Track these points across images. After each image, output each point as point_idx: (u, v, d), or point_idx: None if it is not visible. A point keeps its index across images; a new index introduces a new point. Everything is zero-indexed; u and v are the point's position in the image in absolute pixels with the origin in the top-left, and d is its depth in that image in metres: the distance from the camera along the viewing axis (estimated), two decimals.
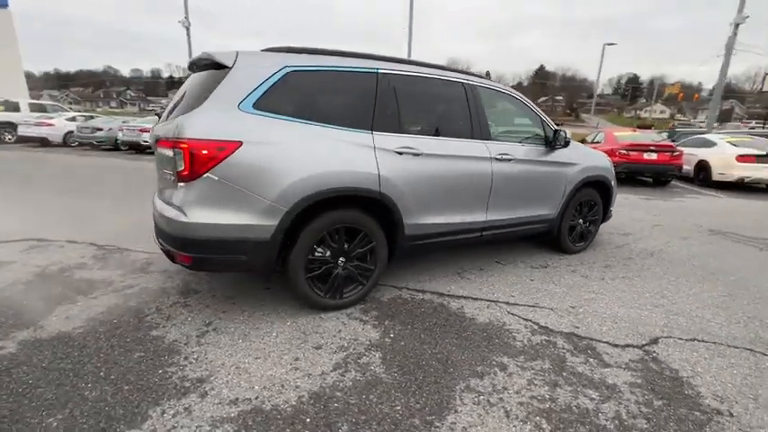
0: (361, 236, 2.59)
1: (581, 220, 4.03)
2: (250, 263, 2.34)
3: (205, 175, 2.13)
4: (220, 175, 2.15)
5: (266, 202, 2.25)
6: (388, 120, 2.67)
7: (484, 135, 3.12)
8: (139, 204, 4.79)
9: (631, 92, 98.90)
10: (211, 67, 2.41)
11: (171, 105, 2.68)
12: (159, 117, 2.90)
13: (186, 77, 2.80)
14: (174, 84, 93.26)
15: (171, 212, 2.23)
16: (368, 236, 2.62)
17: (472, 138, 3.07)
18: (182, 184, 2.19)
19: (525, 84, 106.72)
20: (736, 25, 15.41)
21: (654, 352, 2.31)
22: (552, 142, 3.49)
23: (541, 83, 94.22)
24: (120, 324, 2.41)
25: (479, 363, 2.15)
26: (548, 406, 1.83)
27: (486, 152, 3.09)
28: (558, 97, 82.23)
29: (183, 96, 2.58)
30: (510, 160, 3.22)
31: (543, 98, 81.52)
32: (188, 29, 21.24)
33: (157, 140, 2.48)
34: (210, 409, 1.74)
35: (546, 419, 1.75)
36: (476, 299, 2.93)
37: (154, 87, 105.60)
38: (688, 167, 9.93)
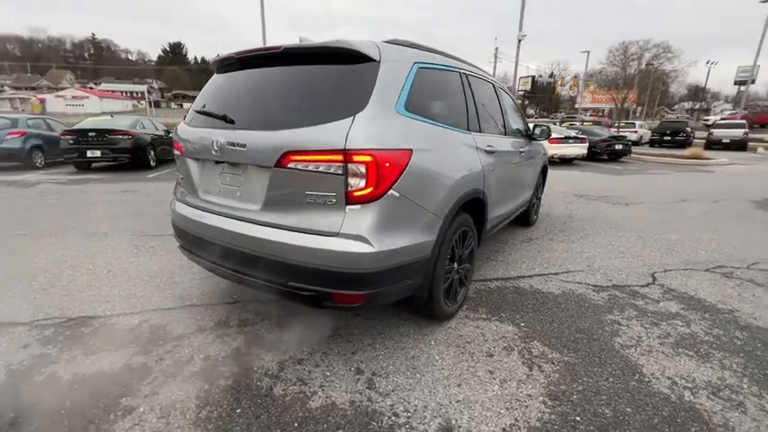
0: (468, 237, 2.59)
1: (537, 197, 4.95)
2: (413, 287, 2.05)
3: (389, 192, 1.75)
4: (401, 189, 1.80)
5: (429, 215, 2.02)
6: (475, 119, 2.71)
7: (508, 131, 3.49)
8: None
9: None
10: (341, 59, 1.91)
11: (218, 106, 2.05)
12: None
13: None
14: None
15: (342, 244, 1.72)
16: (471, 236, 2.63)
17: (505, 134, 3.39)
18: (357, 206, 1.73)
19: None
20: (519, 41, 20.65)
21: (664, 284, 3.22)
22: (532, 135, 4.15)
23: None
24: (240, 410, 1.73)
25: (603, 324, 2.55)
26: (676, 339, 2.40)
27: (515, 147, 3.47)
28: None
29: (260, 94, 1.98)
30: (522, 153, 3.70)
31: None
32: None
33: (284, 155, 1.79)
34: None
35: (687, 348, 2.30)
36: (530, 276, 3.33)
37: None
38: None
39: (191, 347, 2.22)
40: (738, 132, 19.64)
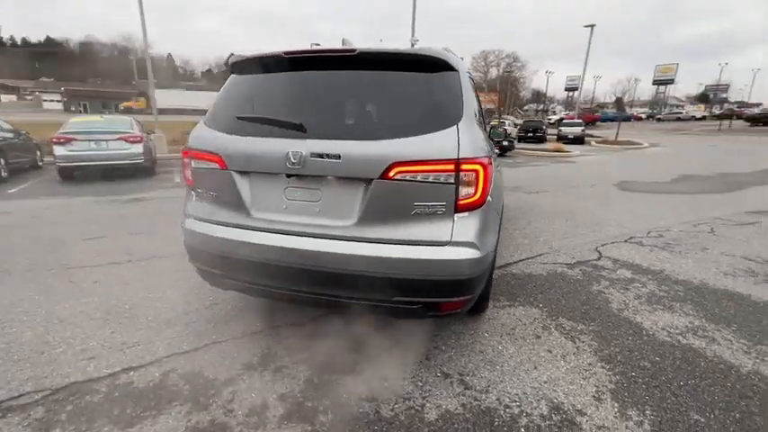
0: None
1: None
2: (486, 286, 2.16)
3: (488, 198, 1.82)
4: (490, 194, 1.89)
5: (497, 216, 2.16)
6: (482, 122, 2.93)
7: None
8: None
9: None
10: (422, 67, 1.87)
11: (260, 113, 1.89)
12: None
13: None
14: None
15: (454, 252, 1.72)
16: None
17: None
18: (465, 213, 1.75)
19: (216, 72, 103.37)
20: (412, 45, 21.94)
21: (609, 256, 4.00)
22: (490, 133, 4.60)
23: None
24: None
25: (594, 295, 3.08)
26: (647, 298, 3.05)
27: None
28: None
29: (337, 100, 1.86)
30: None
31: None
32: None
33: (390, 166, 1.69)
34: None
35: (657, 303, 2.96)
36: (516, 262, 3.76)
37: None
38: None
39: (253, 389, 1.94)
40: (578, 129, 24.62)
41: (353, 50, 1.84)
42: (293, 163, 1.78)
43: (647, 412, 1.84)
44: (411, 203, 1.74)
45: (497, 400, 1.91)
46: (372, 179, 1.74)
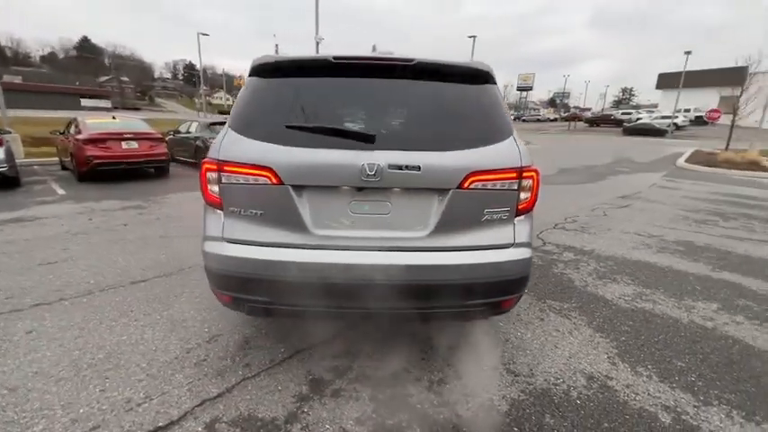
0: None
1: None
2: None
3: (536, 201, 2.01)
4: None
5: None
6: None
7: None
8: None
9: (188, 78, 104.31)
10: (468, 79, 1.95)
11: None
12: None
13: None
14: None
15: (518, 253, 1.86)
16: None
17: None
18: (522, 217, 1.92)
19: (63, 57, 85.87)
20: (317, 43, 21.35)
21: (550, 241, 4.67)
22: None
23: (88, 57, 79.33)
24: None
25: (562, 276, 3.60)
26: (597, 275, 3.68)
27: None
28: (125, 78, 72.85)
29: (399, 108, 1.85)
30: None
31: (105, 77, 69.50)
32: None
33: (467, 176, 1.76)
34: None
35: (605, 278, 3.61)
36: None
37: None
38: None
39: (324, 420, 1.80)
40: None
41: (411, 60, 1.84)
42: (369, 175, 1.70)
43: (649, 367, 2.29)
44: (482, 210, 1.84)
45: (545, 380, 2.14)
46: (449, 189, 1.78)
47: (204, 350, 2.31)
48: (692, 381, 2.17)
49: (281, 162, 1.75)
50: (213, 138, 6.58)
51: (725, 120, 20.46)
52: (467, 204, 1.83)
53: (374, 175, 1.71)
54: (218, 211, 1.88)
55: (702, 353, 2.44)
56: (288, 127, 1.79)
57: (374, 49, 2.15)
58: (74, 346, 2.32)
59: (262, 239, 1.82)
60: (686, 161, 13.71)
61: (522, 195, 1.90)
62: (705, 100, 35.07)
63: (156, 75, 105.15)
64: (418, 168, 1.74)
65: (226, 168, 1.79)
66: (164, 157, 8.72)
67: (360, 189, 1.79)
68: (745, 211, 6.57)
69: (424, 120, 1.93)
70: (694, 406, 1.97)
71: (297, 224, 1.80)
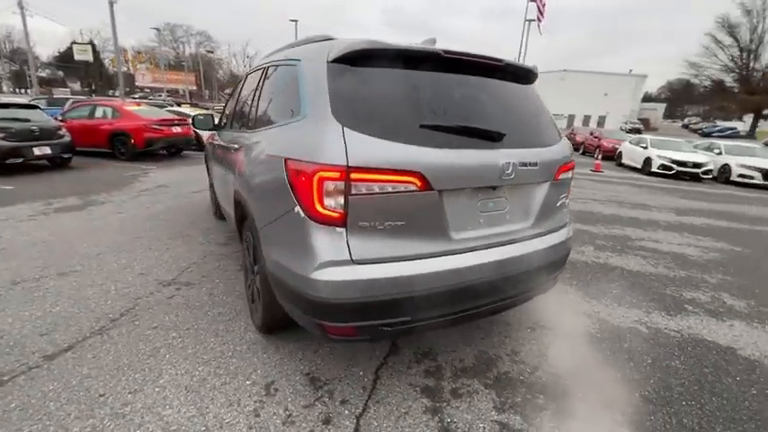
0: None
1: None
2: None
3: None
4: None
5: None
6: None
7: None
8: None
9: None
10: (524, 79, 2.12)
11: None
12: None
13: None
14: None
15: (569, 231, 2.25)
16: None
17: None
18: (568, 201, 2.28)
19: None
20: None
21: None
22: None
23: None
24: None
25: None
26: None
27: None
28: None
29: (502, 106, 1.97)
30: None
31: None
32: None
33: (559, 168, 1.97)
34: None
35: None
36: None
37: None
38: None
39: (482, 419, 1.77)
40: None
41: (501, 61, 1.90)
42: (507, 174, 1.72)
43: (662, 314, 3.03)
44: (559, 197, 2.13)
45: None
46: (548, 181, 1.99)
47: (282, 408, 1.81)
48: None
49: (428, 165, 1.56)
50: None
51: None
52: (554, 193, 2.08)
53: (511, 173, 1.75)
54: (339, 228, 1.51)
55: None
56: (422, 126, 1.59)
57: (434, 42, 2.07)
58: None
59: (404, 253, 1.59)
60: None
61: (567, 187, 2.29)
62: None
63: None
64: (536, 164, 1.87)
65: (358, 176, 1.46)
66: None
67: (494, 188, 1.79)
68: None
69: (522, 117, 2.04)
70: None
71: (440, 231, 1.67)
